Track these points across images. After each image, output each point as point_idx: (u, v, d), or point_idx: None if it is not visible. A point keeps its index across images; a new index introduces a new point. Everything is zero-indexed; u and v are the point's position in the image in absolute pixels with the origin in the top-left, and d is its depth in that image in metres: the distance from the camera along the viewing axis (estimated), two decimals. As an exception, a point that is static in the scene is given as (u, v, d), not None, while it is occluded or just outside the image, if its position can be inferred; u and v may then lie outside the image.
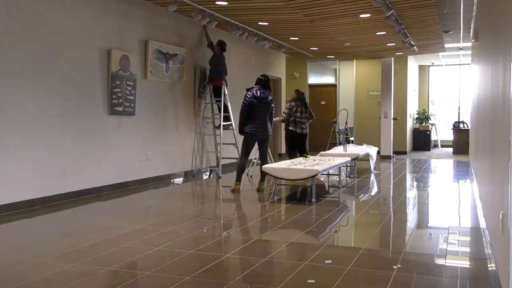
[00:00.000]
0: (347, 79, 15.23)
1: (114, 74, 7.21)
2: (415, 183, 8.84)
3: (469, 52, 12.62)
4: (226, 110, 9.33)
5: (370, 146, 11.01)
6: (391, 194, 7.55)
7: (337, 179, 8.36)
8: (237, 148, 8.84)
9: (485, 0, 5.36)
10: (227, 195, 7.27)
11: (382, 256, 4.15)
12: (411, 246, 4.45)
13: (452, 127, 15.90)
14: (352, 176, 9.43)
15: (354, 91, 15.19)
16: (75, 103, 6.61)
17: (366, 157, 10.26)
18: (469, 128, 13.67)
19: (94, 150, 6.96)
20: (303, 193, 7.36)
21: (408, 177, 9.63)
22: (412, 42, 10.94)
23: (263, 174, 7.23)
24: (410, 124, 15.78)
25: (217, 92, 9.31)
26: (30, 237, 4.70)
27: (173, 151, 8.69)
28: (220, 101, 9.31)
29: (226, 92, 9.31)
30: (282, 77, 14.14)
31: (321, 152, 9.42)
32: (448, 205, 6.55)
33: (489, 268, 3.66)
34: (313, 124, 15.46)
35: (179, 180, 8.64)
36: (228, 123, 9.35)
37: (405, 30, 9.52)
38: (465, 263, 3.97)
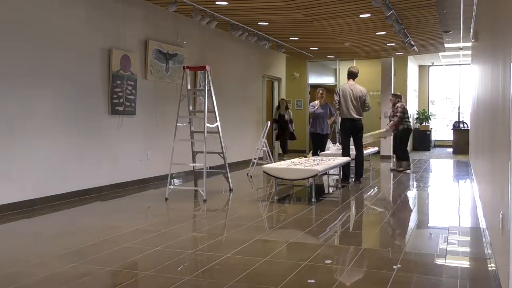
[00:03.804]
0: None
1: (115, 73, 7.21)
2: (415, 183, 8.84)
3: (469, 52, 12.62)
4: (211, 105, 7.02)
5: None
6: (391, 194, 7.54)
7: (337, 179, 8.37)
8: (223, 157, 7.22)
9: (485, 0, 5.36)
10: (224, 198, 7.27)
11: (382, 256, 4.15)
12: (411, 246, 4.45)
13: (452, 127, 15.91)
14: (352, 176, 9.42)
15: (354, 91, 15.16)
16: (75, 102, 6.61)
17: (367, 157, 10.28)
18: (469, 128, 13.67)
19: (95, 150, 6.96)
20: (303, 193, 7.36)
21: (408, 177, 9.62)
22: (412, 42, 10.94)
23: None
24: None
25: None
26: (30, 237, 4.70)
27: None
28: (202, 91, 7.31)
29: (211, 79, 7.06)
30: (282, 77, 14.14)
31: (321, 152, 9.42)
32: (448, 205, 6.55)
33: (489, 268, 3.66)
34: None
35: (178, 181, 8.65)
36: (214, 124, 7.05)
37: (405, 30, 9.52)
38: (465, 263, 3.97)
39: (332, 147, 9.85)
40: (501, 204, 3.08)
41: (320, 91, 10.08)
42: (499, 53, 3.53)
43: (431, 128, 16.82)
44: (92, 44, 6.89)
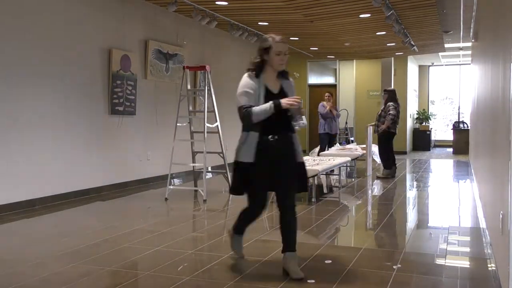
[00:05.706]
0: (347, 79, 15.23)
1: (115, 73, 7.21)
2: (415, 183, 8.84)
3: (469, 52, 12.62)
4: (211, 105, 6.92)
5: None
6: (391, 194, 7.54)
7: (337, 179, 8.36)
8: (223, 157, 7.13)
9: (485, 0, 5.36)
10: (223, 196, 7.27)
11: (382, 256, 4.15)
12: (411, 246, 4.45)
13: (452, 127, 15.91)
14: (352, 176, 9.43)
15: (354, 91, 15.18)
16: (76, 102, 6.62)
17: (364, 158, 10.26)
18: (469, 128, 13.67)
19: (94, 150, 6.96)
20: (303, 193, 7.34)
21: (408, 177, 9.62)
22: (412, 42, 10.94)
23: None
24: (410, 124, 15.78)
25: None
26: (30, 237, 4.70)
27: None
28: (202, 91, 7.34)
29: (211, 79, 6.96)
30: (282, 77, 14.10)
31: (321, 152, 9.41)
32: (448, 205, 6.55)
33: (489, 268, 3.65)
34: (313, 124, 15.48)
35: (178, 181, 8.64)
36: (214, 124, 7.01)
37: (405, 30, 9.52)
38: (465, 263, 3.97)
39: (332, 148, 9.86)
40: (501, 204, 3.08)
41: (327, 95, 10.13)
42: (499, 53, 3.53)
43: (431, 128, 16.82)
44: (92, 44, 6.89)
